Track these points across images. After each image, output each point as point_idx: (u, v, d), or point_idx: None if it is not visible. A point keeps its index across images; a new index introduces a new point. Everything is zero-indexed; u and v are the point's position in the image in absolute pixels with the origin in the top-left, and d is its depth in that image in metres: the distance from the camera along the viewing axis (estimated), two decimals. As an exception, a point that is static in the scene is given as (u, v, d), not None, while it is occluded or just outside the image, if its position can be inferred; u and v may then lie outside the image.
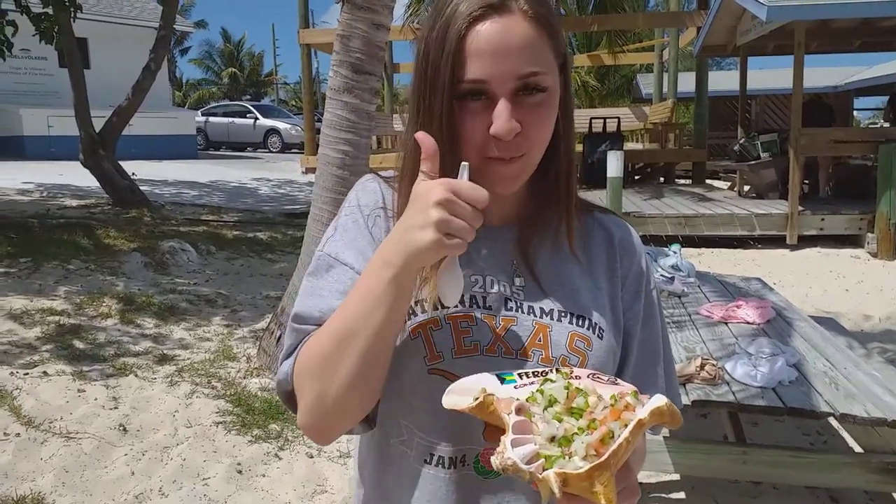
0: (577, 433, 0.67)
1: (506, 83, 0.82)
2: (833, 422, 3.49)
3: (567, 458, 0.66)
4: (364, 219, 0.93)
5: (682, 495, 3.04)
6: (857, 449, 3.05)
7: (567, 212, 0.94)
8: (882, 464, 2.63)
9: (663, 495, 3.03)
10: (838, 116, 17.05)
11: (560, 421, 0.68)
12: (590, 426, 0.67)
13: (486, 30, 0.81)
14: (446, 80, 0.82)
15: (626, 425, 0.66)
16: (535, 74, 0.82)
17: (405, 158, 0.91)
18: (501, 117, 0.81)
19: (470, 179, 0.89)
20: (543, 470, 0.66)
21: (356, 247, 0.92)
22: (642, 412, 0.67)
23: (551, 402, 0.70)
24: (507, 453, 0.66)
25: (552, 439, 0.67)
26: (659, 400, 0.68)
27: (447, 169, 0.83)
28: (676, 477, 3.08)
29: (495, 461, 0.67)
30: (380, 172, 1.00)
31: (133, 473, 3.14)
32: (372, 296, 0.78)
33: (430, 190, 0.74)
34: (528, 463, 0.66)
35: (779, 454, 2.84)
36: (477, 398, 0.71)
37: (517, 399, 0.71)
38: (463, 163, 0.77)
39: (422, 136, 0.78)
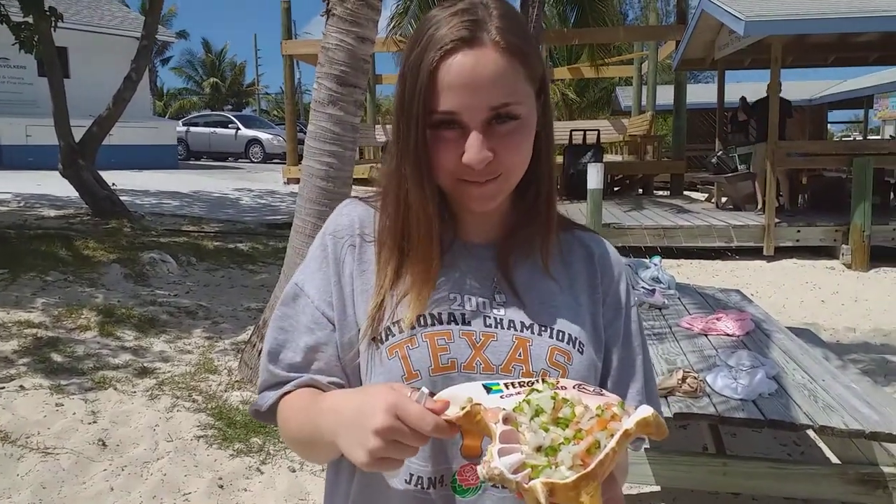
0: (563, 443, 0.67)
1: (477, 114, 0.83)
2: (810, 433, 3.54)
3: (553, 467, 0.66)
4: (333, 247, 0.95)
5: (663, 507, 3.06)
6: (835, 460, 3.09)
7: (546, 231, 0.96)
8: (859, 475, 2.67)
9: (645, 507, 3.06)
10: (813, 128, 17.36)
11: (546, 431, 0.68)
12: (576, 436, 0.68)
13: (458, 63, 0.83)
14: (419, 111, 0.84)
15: (612, 435, 0.67)
16: (506, 105, 0.84)
17: (389, 176, 0.93)
18: (473, 148, 0.83)
19: (447, 199, 0.91)
20: (530, 480, 0.65)
21: (320, 277, 0.95)
22: (629, 422, 0.67)
23: (538, 412, 0.70)
24: (494, 462, 0.66)
25: (539, 449, 0.67)
26: (645, 410, 0.68)
27: (425, 193, 0.87)
28: (657, 488, 3.10)
29: (482, 470, 0.67)
30: (361, 195, 1.02)
31: (112, 489, 3.10)
32: (314, 435, 0.84)
33: (376, 409, 0.71)
34: (515, 472, 0.66)
35: (758, 466, 2.87)
36: (464, 407, 0.71)
37: (504, 409, 0.71)
38: (423, 389, 0.74)
39: (445, 424, 0.72)
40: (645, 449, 2.85)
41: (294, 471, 3.32)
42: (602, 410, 0.69)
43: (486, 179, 0.86)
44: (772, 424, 2.54)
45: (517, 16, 0.88)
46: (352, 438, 0.74)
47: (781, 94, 9.94)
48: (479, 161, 0.84)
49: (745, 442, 3.65)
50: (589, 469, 0.65)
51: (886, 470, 2.65)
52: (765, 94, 9.72)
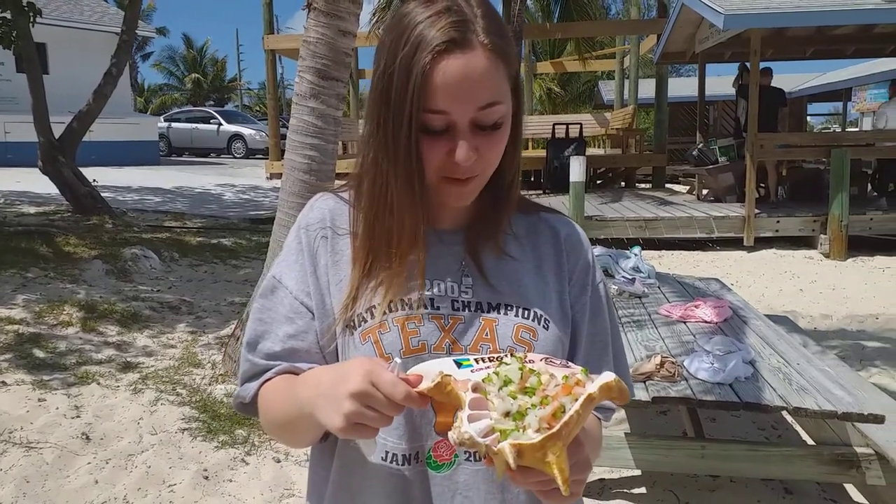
0: (530, 408, 0.71)
1: (466, 113, 0.87)
2: (787, 416, 3.61)
3: (521, 431, 0.69)
4: (307, 240, 0.99)
5: (643, 490, 3.11)
6: (810, 442, 3.16)
7: (506, 214, 1.00)
8: (833, 455, 2.74)
9: (625, 490, 3.10)
10: (793, 121, 17.55)
11: (514, 399, 0.72)
12: (542, 402, 0.71)
13: (451, 65, 0.86)
14: (413, 110, 0.86)
15: (576, 399, 0.70)
16: (492, 104, 0.88)
17: (362, 169, 0.95)
18: (463, 147, 0.87)
19: (428, 194, 0.94)
20: (498, 443, 0.69)
21: (297, 269, 0.98)
22: (592, 387, 0.71)
23: (506, 382, 0.74)
24: (464, 427, 0.70)
25: (507, 414, 0.71)
26: (608, 376, 0.72)
27: (414, 192, 0.90)
28: (637, 472, 3.15)
29: (452, 435, 0.71)
30: (333, 189, 1.04)
31: (97, 482, 3.10)
32: (294, 412, 0.88)
33: (352, 375, 0.75)
34: (484, 437, 0.69)
35: (735, 448, 2.93)
36: (434, 380, 0.74)
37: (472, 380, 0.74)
38: (396, 359, 0.78)
39: (416, 394, 0.75)
40: (625, 434, 2.90)
41: (279, 461, 3.34)
42: (567, 378, 0.73)
43: (467, 177, 0.90)
44: (747, 406, 2.60)
45: (497, 13, 0.92)
46: (329, 405, 0.77)
47: (775, 84, 10.04)
48: (468, 159, 0.88)
49: (724, 427, 3.72)
50: (554, 430, 0.68)
51: (859, 450, 2.72)
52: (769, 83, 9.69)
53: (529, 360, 0.77)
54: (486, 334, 0.94)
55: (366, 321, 0.92)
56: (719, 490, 3.10)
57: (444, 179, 0.91)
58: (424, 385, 0.74)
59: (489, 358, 0.79)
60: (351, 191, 1.00)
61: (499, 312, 0.95)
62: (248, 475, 3.22)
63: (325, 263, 0.97)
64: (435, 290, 0.95)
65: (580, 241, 1.06)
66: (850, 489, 3.08)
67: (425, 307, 0.93)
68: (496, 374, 0.75)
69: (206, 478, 3.17)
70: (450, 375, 0.75)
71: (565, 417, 0.69)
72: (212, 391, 4.07)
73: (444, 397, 0.74)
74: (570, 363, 0.79)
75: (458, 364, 0.78)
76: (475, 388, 0.73)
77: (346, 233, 0.98)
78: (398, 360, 0.77)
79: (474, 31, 0.87)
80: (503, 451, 0.68)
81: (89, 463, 3.25)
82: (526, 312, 0.96)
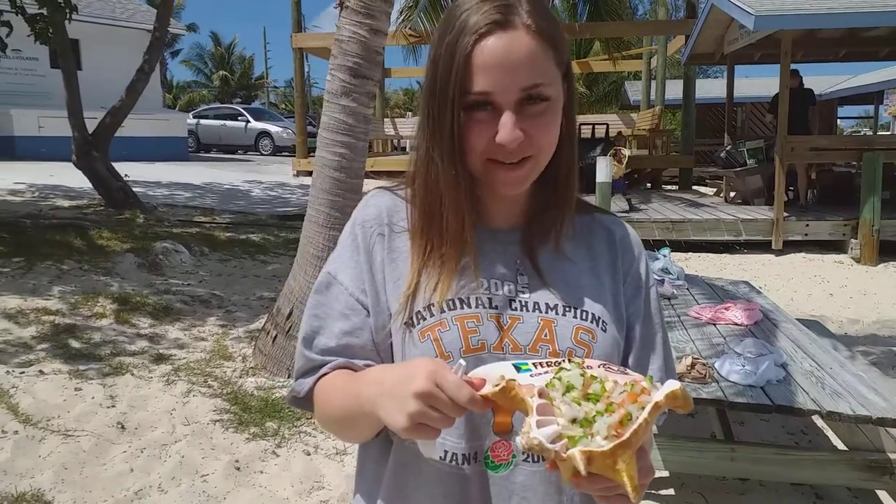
0: (597, 415, 0.71)
1: (510, 94, 0.87)
2: (818, 421, 3.58)
3: (589, 437, 0.70)
4: (363, 236, 0.99)
5: (671, 492, 3.11)
6: (842, 447, 3.13)
7: (563, 213, 0.99)
8: (866, 461, 2.72)
9: (653, 492, 3.10)
10: (822, 124, 17.30)
11: (579, 405, 0.72)
12: (608, 409, 0.71)
13: (492, 45, 0.86)
14: (455, 93, 0.87)
15: (643, 408, 0.70)
16: (537, 86, 0.88)
17: (416, 164, 0.96)
18: (506, 127, 0.87)
19: (476, 182, 0.95)
20: (567, 449, 0.69)
21: (352, 266, 0.98)
22: (658, 395, 0.71)
23: (569, 388, 0.73)
24: (533, 433, 0.70)
25: (574, 421, 0.71)
26: (673, 384, 0.72)
27: (458, 178, 0.90)
28: (666, 474, 3.14)
29: (521, 441, 0.71)
30: (388, 185, 1.05)
31: (132, 470, 3.17)
32: (354, 408, 0.88)
33: (417, 375, 0.75)
34: (552, 443, 0.70)
35: (766, 451, 2.92)
36: (498, 384, 0.74)
37: (535, 385, 0.74)
38: (461, 361, 0.77)
39: (479, 398, 0.76)
40: (654, 435, 2.90)
41: (309, 454, 3.39)
42: (631, 385, 0.73)
43: (517, 160, 0.89)
44: (780, 409, 2.58)
45: (544, 2, 0.92)
46: (392, 404, 0.77)
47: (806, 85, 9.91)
48: (512, 140, 0.87)
49: (753, 430, 3.70)
50: (624, 438, 0.68)
51: (893, 456, 2.69)
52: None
53: (588, 367, 0.77)
54: (546, 335, 0.93)
55: (425, 319, 0.92)
56: (748, 493, 3.09)
57: (493, 164, 0.90)
58: (488, 389, 0.75)
59: (547, 363, 0.79)
60: (407, 189, 1.00)
61: (557, 313, 0.95)
62: (279, 467, 3.27)
63: (382, 260, 0.97)
64: (493, 289, 0.95)
65: (634, 243, 1.06)
66: (883, 496, 3.05)
67: (483, 306, 0.93)
68: (558, 379, 0.75)
69: (238, 469, 3.23)
70: (514, 380, 0.75)
71: (634, 425, 0.69)
72: (242, 384, 4.13)
73: (507, 402, 0.74)
74: (627, 370, 0.79)
75: (518, 368, 0.78)
76: (541, 394, 0.73)
77: (403, 230, 0.98)
78: (462, 361, 0.77)
79: (517, 13, 0.88)
80: (573, 457, 0.68)
81: (125, 451, 3.32)
82: (584, 314, 0.95)
